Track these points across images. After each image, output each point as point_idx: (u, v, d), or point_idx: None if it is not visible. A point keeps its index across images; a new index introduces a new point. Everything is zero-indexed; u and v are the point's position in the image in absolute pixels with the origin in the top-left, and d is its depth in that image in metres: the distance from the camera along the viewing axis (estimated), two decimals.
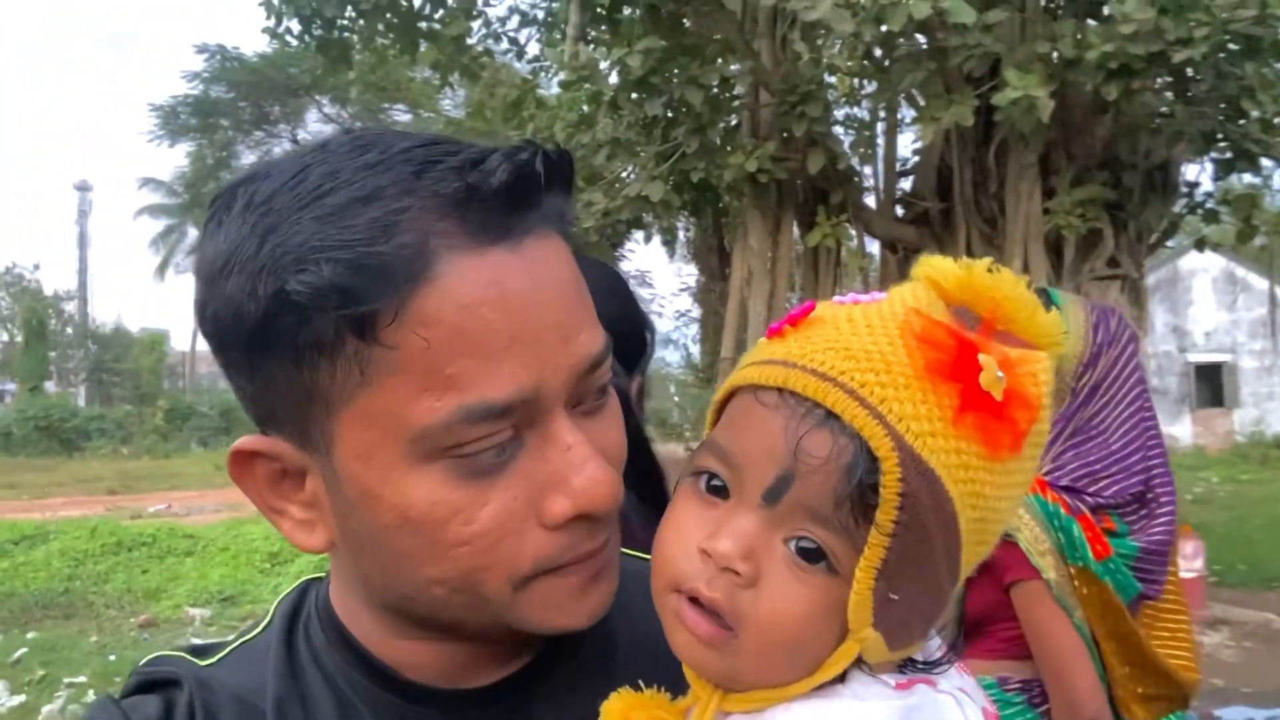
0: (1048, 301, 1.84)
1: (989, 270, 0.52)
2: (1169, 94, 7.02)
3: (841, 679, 0.52)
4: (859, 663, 0.52)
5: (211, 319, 0.56)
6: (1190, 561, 7.01)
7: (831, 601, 0.50)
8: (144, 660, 0.67)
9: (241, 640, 0.69)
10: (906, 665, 0.54)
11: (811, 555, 0.50)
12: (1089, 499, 1.74)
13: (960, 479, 0.50)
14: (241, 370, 0.57)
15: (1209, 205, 7.90)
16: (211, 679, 0.64)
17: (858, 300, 0.56)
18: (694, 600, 0.52)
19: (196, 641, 0.71)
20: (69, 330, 38.60)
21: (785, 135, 7.61)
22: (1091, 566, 1.68)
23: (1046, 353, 0.53)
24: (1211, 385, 22.54)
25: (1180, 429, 21.87)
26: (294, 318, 0.51)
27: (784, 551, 0.51)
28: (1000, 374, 0.50)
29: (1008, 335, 0.52)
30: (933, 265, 0.53)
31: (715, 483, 0.54)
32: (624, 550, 0.76)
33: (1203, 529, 8.43)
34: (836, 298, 0.57)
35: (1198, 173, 8.21)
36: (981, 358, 0.50)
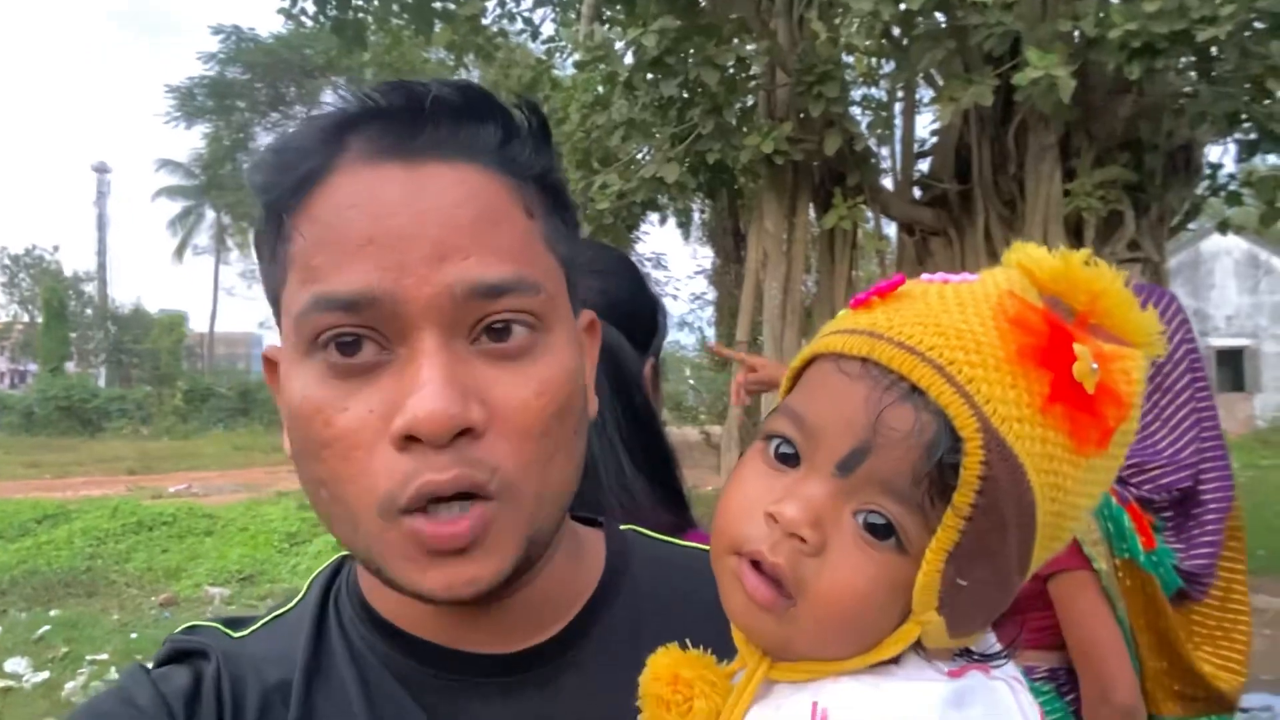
0: None
1: (1086, 262, 0.50)
2: (1193, 73, 6.90)
3: (895, 660, 0.51)
4: (915, 646, 0.51)
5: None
6: None
7: (897, 580, 0.49)
8: (179, 629, 0.68)
9: (274, 614, 0.70)
10: (961, 655, 0.53)
11: (881, 531, 0.49)
12: (1134, 489, 1.71)
13: (1043, 469, 0.48)
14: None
15: (1232, 187, 7.78)
16: (242, 651, 0.65)
17: (948, 279, 0.54)
18: (755, 565, 0.51)
19: (230, 615, 0.72)
20: (89, 311, 38.88)
21: (802, 116, 7.54)
22: (1139, 559, 1.64)
23: (1141, 351, 0.51)
24: (1233, 370, 22.33)
25: None
26: (264, 226, 0.61)
27: (853, 524, 0.50)
28: (1094, 366, 0.48)
29: (1101, 330, 0.50)
30: (1027, 252, 0.51)
31: (785, 450, 0.53)
32: (654, 535, 0.78)
33: None
34: (925, 276, 0.55)
35: (1221, 154, 8.12)
36: (1076, 347, 0.48)
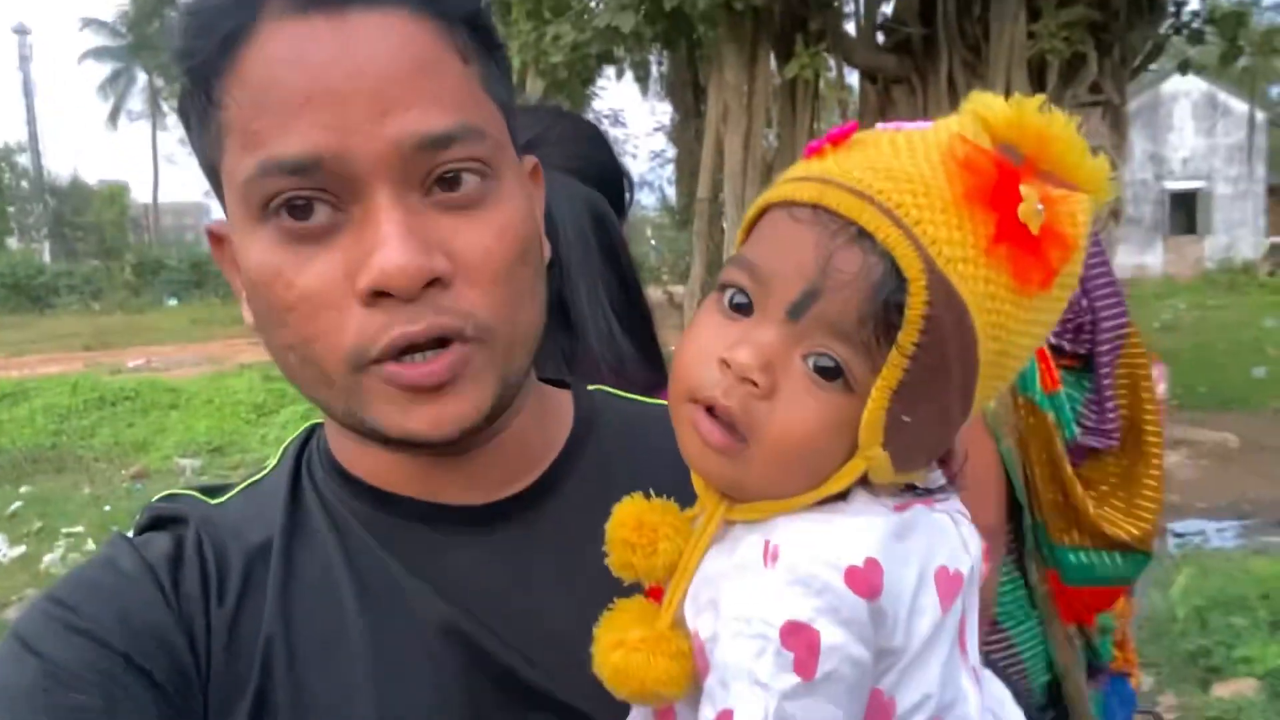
0: None
1: (1039, 109, 0.50)
2: None
3: (843, 497, 0.53)
4: (862, 483, 0.53)
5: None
6: (1154, 387, 7.23)
7: (844, 418, 0.51)
8: (156, 497, 0.69)
9: (249, 481, 0.71)
10: (906, 490, 0.55)
11: (829, 373, 0.51)
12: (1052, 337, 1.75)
13: (986, 309, 0.49)
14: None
15: (1195, 25, 7.67)
16: (221, 516, 0.66)
17: (901, 127, 0.54)
18: (709, 410, 0.53)
19: (206, 483, 0.73)
20: (24, 184, 37.29)
21: None
22: (1037, 398, 1.72)
23: (1089, 195, 0.51)
24: (1185, 213, 22.63)
25: (1152, 257, 22.10)
26: (186, 96, 0.59)
27: (802, 367, 0.51)
28: (1040, 207, 0.49)
29: (1052, 176, 0.51)
30: (982, 101, 0.52)
31: (739, 299, 0.54)
32: (621, 394, 0.79)
33: (1167, 354, 8.66)
34: (881, 125, 0.55)
35: None
36: (1023, 188, 0.49)
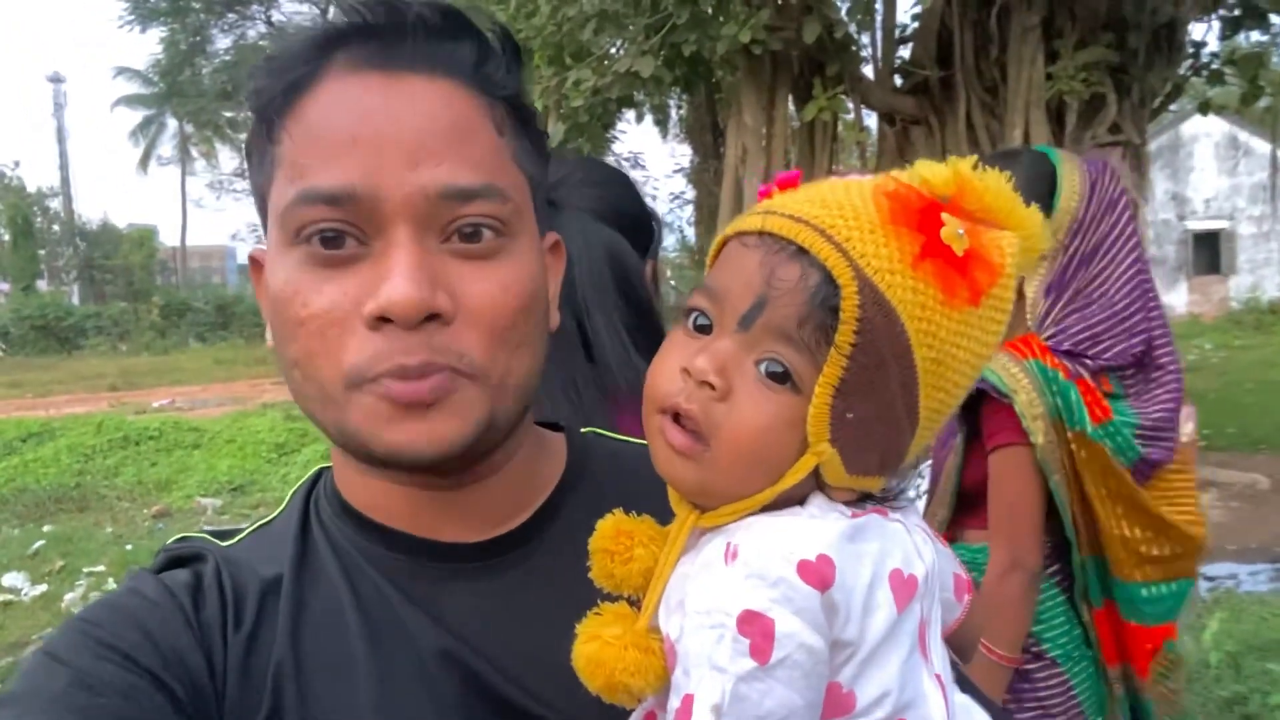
0: (1045, 161, 1.79)
1: (974, 167, 0.57)
2: None
3: (801, 504, 0.58)
4: (821, 489, 0.58)
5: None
6: (1182, 427, 7.13)
7: (794, 416, 0.56)
8: (170, 540, 0.73)
9: (258, 524, 0.75)
10: (863, 500, 0.59)
11: (778, 377, 0.56)
12: (1090, 362, 1.74)
13: (915, 315, 0.54)
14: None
15: (1214, 66, 7.67)
16: (235, 555, 0.69)
17: (846, 176, 0.61)
18: (675, 419, 0.58)
19: (216, 528, 0.76)
20: (55, 228, 38.02)
21: (780, 3, 7.31)
22: (1088, 431, 1.69)
23: (1019, 235, 0.57)
24: (1209, 252, 22.47)
25: (1176, 297, 21.91)
26: (252, 132, 0.65)
27: (754, 372, 0.57)
28: (961, 232, 0.55)
29: (980, 219, 0.57)
30: (922, 163, 0.58)
31: (700, 320, 0.60)
32: (613, 435, 0.84)
33: (1195, 395, 8.51)
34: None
35: (1204, 32, 7.95)
36: (944, 215, 0.55)
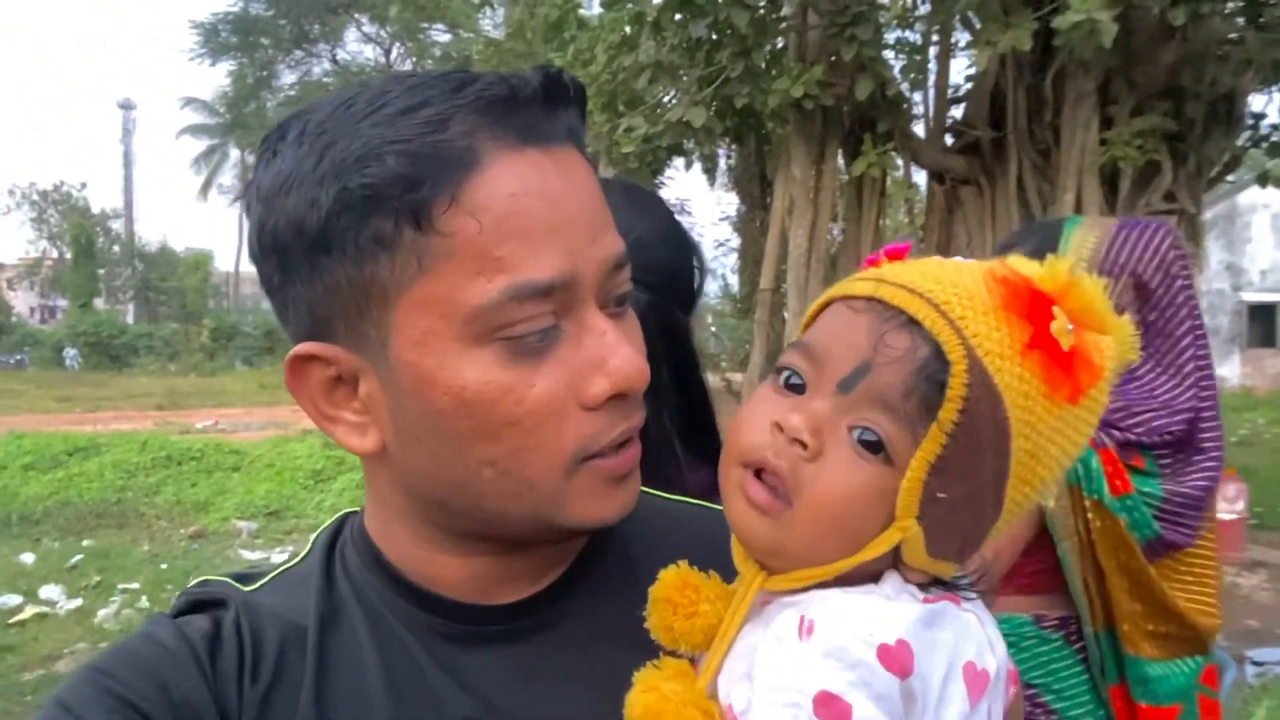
0: (1055, 230, 1.78)
1: (1070, 270, 0.56)
2: (1240, 19, 6.67)
3: (876, 581, 0.56)
4: (896, 567, 0.56)
5: (271, 234, 0.60)
6: (1232, 504, 6.92)
7: (883, 487, 0.55)
8: (191, 583, 0.72)
9: (281, 569, 0.73)
10: (935, 584, 0.58)
11: (872, 446, 0.55)
12: (1117, 433, 1.70)
13: (1019, 404, 0.54)
14: (299, 280, 0.60)
15: (1274, 138, 7.57)
16: (256, 601, 0.68)
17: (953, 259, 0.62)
18: (758, 475, 0.57)
19: (239, 570, 0.75)
20: (116, 248, 39.16)
21: (833, 59, 7.37)
22: (1105, 501, 1.66)
23: (1115, 341, 0.57)
24: (1264, 325, 21.97)
25: (1229, 369, 21.41)
26: (355, 217, 0.57)
27: (848, 438, 0.56)
28: (1070, 327, 0.54)
29: (1079, 321, 0.56)
30: (1019, 259, 0.58)
31: (794, 380, 0.59)
32: (659, 493, 0.80)
33: (1246, 471, 8.30)
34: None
35: (1265, 104, 7.86)
36: (1055, 309, 0.55)
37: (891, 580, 0.56)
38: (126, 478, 10.05)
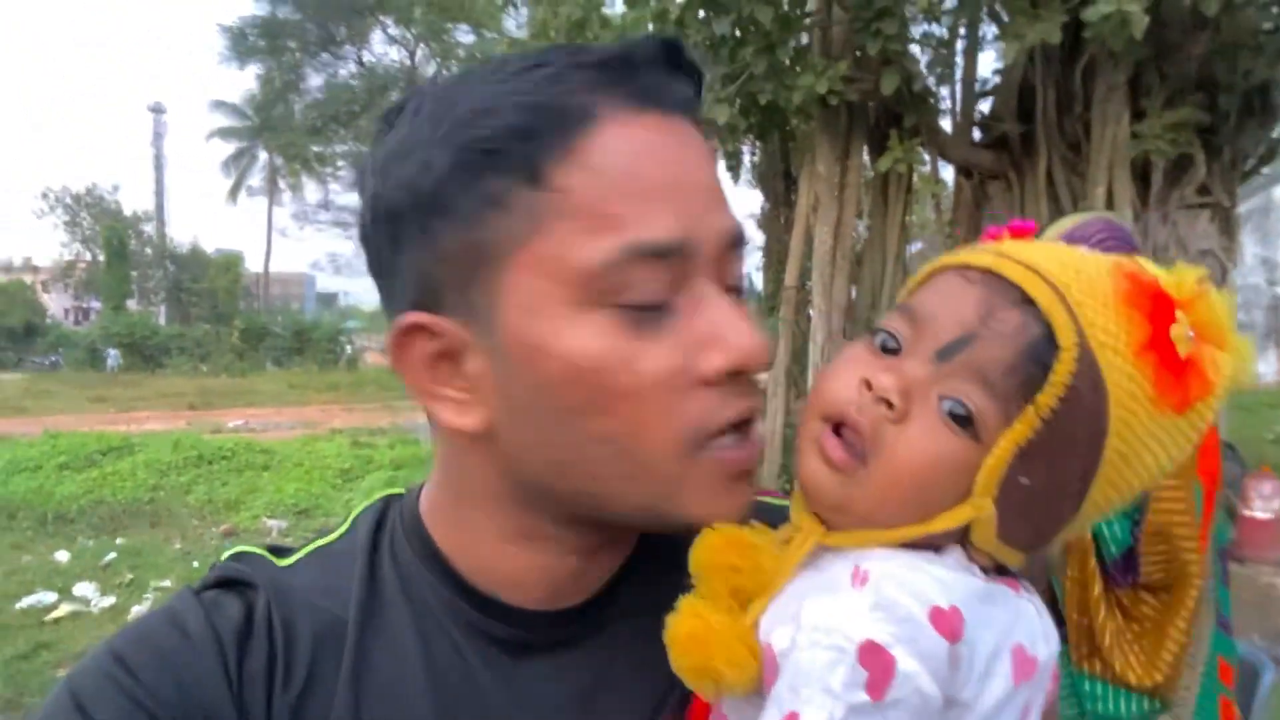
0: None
1: (1200, 279, 0.55)
2: (1274, 9, 6.54)
3: (937, 551, 0.55)
4: (962, 545, 0.55)
5: (384, 204, 0.59)
6: (1268, 502, 6.80)
7: (966, 462, 0.54)
8: (225, 554, 0.69)
9: (316, 544, 0.69)
10: (996, 569, 0.57)
11: (961, 420, 0.54)
12: None
13: (1123, 402, 0.53)
14: (410, 247, 0.59)
15: None
16: (291, 581, 0.65)
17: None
18: (836, 430, 0.56)
19: (273, 543, 0.72)
20: (148, 250, 39.68)
21: (858, 54, 7.32)
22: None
23: (1232, 361, 0.55)
24: None
25: (1264, 365, 21.04)
26: (469, 175, 0.56)
27: (937, 406, 0.55)
28: (1190, 334, 0.53)
29: (1205, 336, 0.55)
30: (1146, 260, 0.57)
31: (890, 343, 0.58)
32: None
33: None
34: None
35: None
36: (1178, 313, 0.53)
37: (955, 554, 0.55)
38: (159, 477, 10.18)
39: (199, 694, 0.58)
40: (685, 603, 0.56)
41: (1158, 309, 0.53)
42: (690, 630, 0.55)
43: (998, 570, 0.57)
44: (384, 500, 0.72)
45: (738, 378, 0.58)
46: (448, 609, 0.64)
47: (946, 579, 0.52)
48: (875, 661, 0.49)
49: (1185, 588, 1.65)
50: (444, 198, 0.57)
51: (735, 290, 0.60)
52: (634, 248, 0.55)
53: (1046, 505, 0.55)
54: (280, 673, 0.60)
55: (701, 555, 0.59)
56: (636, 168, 0.56)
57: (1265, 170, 9.16)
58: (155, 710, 0.57)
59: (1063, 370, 0.52)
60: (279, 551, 0.69)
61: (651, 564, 0.69)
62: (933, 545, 0.55)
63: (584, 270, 0.55)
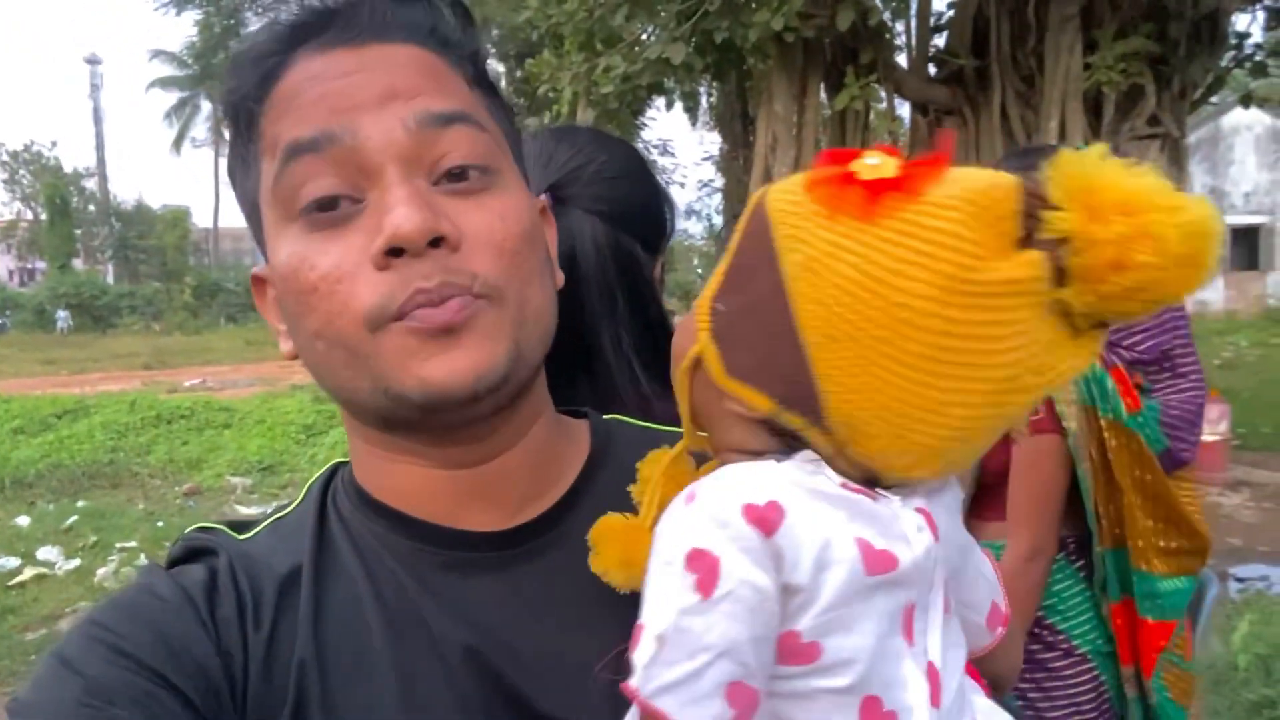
0: (1039, 158, 1.78)
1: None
2: None
3: (781, 459, 0.57)
4: (822, 456, 0.57)
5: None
6: (1215, 425, 7.01)
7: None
8: (189, 529, 0.72)
9: (274, 517, 0.73)
10: (865, 483, 0.57)
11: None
12: (1124, 352, 1.73)
13: (785, 221, 0.56)
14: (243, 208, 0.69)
15: (1258, 58, 7.52)
16: (251, 549, 0.68)
17: None
18: None
19: (232, 519, 0.75)
20: (91, 207, 38.60)
21: None
22: (1123, 419, 1.68)
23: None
24: (1247, 248, 22.07)
25: (1212, 293, 21.55)
26: (233, 142, 0.67)
27: None
28: (875, 161, 0.54)
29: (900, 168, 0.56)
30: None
31: None
32: (635, 421, 0.82)
33: (1229, 393, 8.40)
34: None
35: (1248, 23, 7.78)
36: (861, 159, 0.55)
37: (798, 459, 0.57)
38: (117, 438, 10.04)
39: (181, 642, 0.61)
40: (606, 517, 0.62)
41: (835, 159, 0.57)
42: (600, 532, 0.61)
43: (867, 483, 0.57)
44: (333, 466, 0.76)
45: (413, 257, 0.59)
46: (386, 544, 0.67)
47: (769, 479, 0.55)
48: (701, 564, 0.52)
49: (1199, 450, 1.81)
50: (231, 166, 0.68)
51: (459, 176, 0.63)
52: (286, 151, 0.61)
53: (754, 326, 0.58)
54: (250, 615, 0.64)
55: (644, 469, 0.64)
56: (297, 91, 0.62)
57: (1213, 100, 9.29)
58: (141, 656, 0.59)
59: (743, 219, 0.60)
60: (239, 527, 0.73)
61: (598, 482, 0.72)
62: (783, 450, 0.58)
63: (270, 189, 0.63)
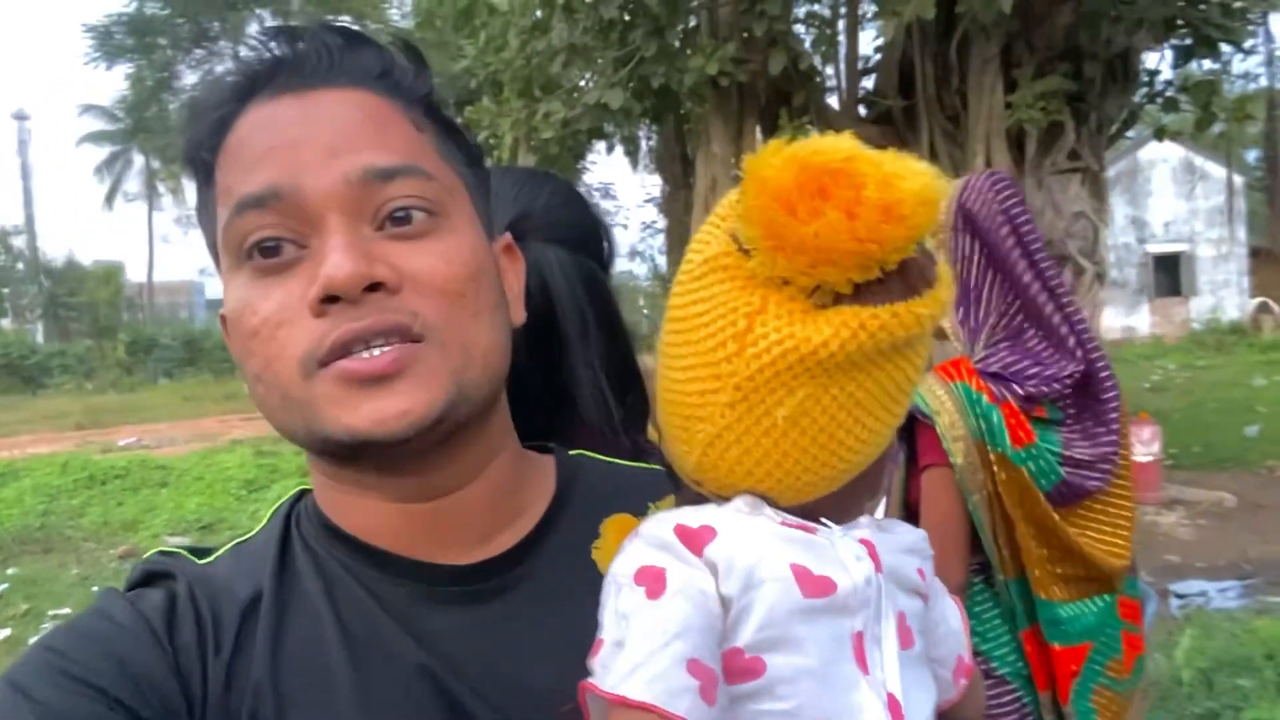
0: None
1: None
2: None
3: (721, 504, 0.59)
4: (762, 500, 0.58)
5: None
6: (1148, 446, 7.23)
7: None
8: (148, 554, 0.71)
9: (236, 541, 0.73)
10: (806, 519, 0.59)
11: None
12: (1017, 388, 1.76)
13: None
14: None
15: (1169, 94, 7.88)
16: (211, 574, 0.67)
17: None
18: None
19: (193, 545, 0.74)
20: (19, 266, 37.52)
21: (745, 35, 7.43)
22: (1008, 453, 1.73)
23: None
24: (1169, 275, 22.88)
25: (1139, 319, 22.29)
26: (197, 186, 0.69)
27: None
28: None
29: None
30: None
31: None
32: (602, 457, 0.82)
33: (1160, 415, 8.68)
34: None
35: (1158, 61, 8.17)
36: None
37: (741, 499, 0.58)
38: (49, 501, 9.67)
39: (137, 666, 0.60)
40: (612, 522, 0.63)
41: None
42: (610, 524, 0.63)
43: (810, 518, 0.59)
44: (298, 492, 0.75)
45: (349, 304, 0.60)
46: (350, 571, 0.67)
47: (703, 511, 0.58)
48: (647, 575, 0.55)
49: (1125, 473, 1.81)
50: (198, 211, 0.70)
51: (403, 220, 0.63)
52: (237, 203, 0.62)
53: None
54: (210, 640, 0.63)
55: (606, 530, 0.64)
56: (250, 142, 0.64)
57: (1130, 134, 9.68)
58: (95, 681, 0.58)
59: None
60: (200, 552, 0.72)
61: (563, 519, 0.72)
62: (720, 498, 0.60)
63: (220, 238, 0.65)
